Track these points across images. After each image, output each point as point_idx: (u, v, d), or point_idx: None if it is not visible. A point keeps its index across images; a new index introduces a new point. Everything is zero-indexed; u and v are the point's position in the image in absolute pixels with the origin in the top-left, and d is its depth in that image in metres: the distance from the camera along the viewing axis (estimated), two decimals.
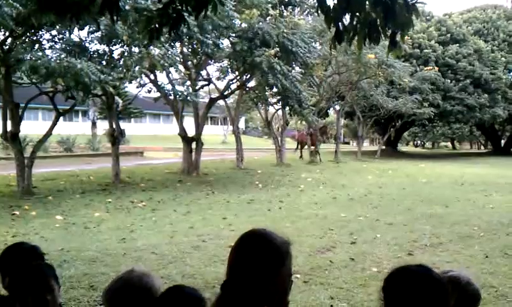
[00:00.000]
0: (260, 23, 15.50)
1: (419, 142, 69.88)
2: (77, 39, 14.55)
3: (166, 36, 6.93)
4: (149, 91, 18.10)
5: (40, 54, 12.52)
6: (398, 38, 3.81)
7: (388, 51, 3.99)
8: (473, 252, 7.60)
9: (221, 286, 1.77)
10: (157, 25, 4.22)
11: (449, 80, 33.59)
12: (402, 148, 51.16)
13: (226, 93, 20.37)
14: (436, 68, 32.40)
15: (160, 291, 2.26)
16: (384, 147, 36.80)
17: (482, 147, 64.33)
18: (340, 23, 3.80)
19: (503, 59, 36.92)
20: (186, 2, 3.95)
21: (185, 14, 4.12)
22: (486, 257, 7.30)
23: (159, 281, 2.35)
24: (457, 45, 34.92)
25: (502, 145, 47.64)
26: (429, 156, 40.84)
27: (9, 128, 13.06)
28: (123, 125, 18.13)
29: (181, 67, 18.51)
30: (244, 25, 15.81)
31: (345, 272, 6.48)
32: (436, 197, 13.75)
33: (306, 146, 28.09)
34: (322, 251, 7.56)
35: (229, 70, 18.82)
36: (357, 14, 3.77)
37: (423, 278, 1.90)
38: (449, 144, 67.40)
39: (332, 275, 6.28)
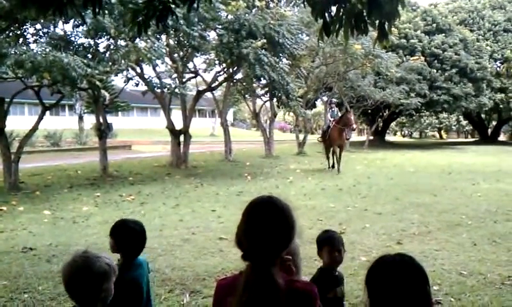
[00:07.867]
0: (247, 14, 15.44)
1: (407, 132, 70.28)
2: (62, 33, 14.40)
3: (152, 28, 6.88)
4: (136, 85, 17.95)
5: (25, 48, 12.38)
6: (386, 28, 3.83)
7: (375, 42, 4.01)
8: (462, 240, 7.66)
9: (243, 256, 1.87)
10: (144, 18, 4.21)
11: (435, 70, 33.73)
12: (389, 138, 51.39)
13: (213, 85, 20.31)
14: (423, 58, 32.57)
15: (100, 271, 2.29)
16: (372, 137, 36.94)
17: (469, 136, 64.83)
18: (326, 15, 3.81)
19: (488, 48, 37.16)
20: None
21: (172, 6, 4.11)
22: (474, 245, 7.36)
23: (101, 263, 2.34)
24: (443, 34, 35.05)
25: (489, 134, 48.00)
26: (417, 146, 41.06)
27: None
28: (110, 118, 18.03)
29: (167, 60, 18.40)
30: (230, 16, 15.75)
31: None
32: (423, 186, 13.83)
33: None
34: (312, 242, 7.56)
35: (216, 62, 18.74)
36: (343, 5, 3.78)
37: (402, 266, 1.92)
38: (436, 134, 67.79)
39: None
